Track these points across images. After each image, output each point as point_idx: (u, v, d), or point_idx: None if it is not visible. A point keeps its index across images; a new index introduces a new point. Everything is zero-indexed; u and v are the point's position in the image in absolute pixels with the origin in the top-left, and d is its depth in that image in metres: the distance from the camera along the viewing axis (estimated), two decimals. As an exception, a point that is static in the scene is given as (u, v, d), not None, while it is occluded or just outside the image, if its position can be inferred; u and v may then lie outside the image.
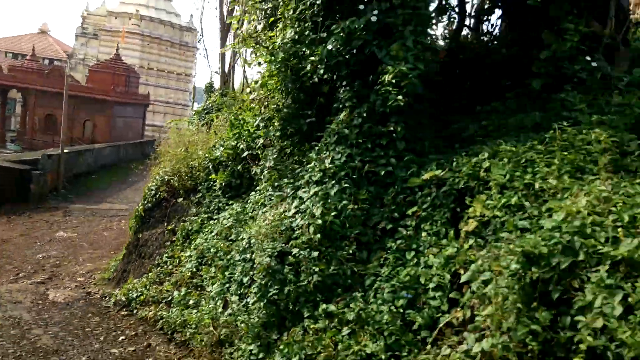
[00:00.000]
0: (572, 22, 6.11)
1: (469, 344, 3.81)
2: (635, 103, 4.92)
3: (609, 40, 6.05)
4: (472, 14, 7.95)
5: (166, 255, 7.63)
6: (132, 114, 36.90)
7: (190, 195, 8.18)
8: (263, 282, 5.09)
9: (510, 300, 3.62)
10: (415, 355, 4.16)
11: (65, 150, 22.54)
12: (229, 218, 6.95)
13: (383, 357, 4.16)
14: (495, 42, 7.34)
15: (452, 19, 8.16)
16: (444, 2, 7.94)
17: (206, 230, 7.29)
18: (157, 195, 8.81)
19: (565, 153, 4.52)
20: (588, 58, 5.76)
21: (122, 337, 6.19)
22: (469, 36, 7.94)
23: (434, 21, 7.24)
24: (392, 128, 5.50)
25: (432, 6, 7.39)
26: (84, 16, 50.18)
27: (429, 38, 6.25)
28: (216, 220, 7.33)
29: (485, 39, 7.64)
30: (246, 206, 6.89)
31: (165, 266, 7.41)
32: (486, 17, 7.87)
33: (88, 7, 51.28)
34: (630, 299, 3.09)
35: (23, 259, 13.26)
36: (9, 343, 5.95)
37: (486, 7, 7.73)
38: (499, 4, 7.56)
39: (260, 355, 4.82)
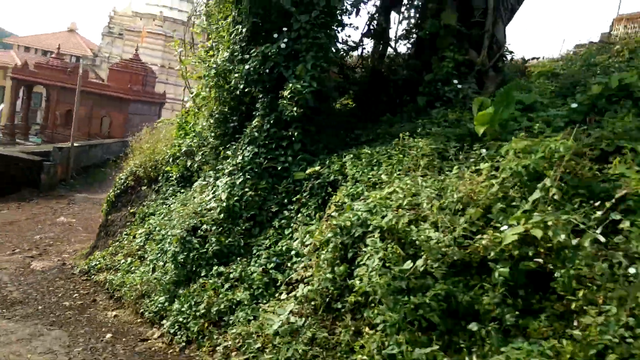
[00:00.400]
0: (452, 51, 7.45)
1: (298, 291, 5.18)
2: (467, 119, 6.23)
3: (480, 67, 7.36)
4: (395, 38, 9.30)
5: (125, 233, 9.11)
6: (147, 111, 38.85)
7: (152, 184, 9.64)
8: (176, 249, 6.52)
9: (323, 259, 4.99)
10: (270, 301, 5.54)
11: (75, 144, 24.40)
12: (175, 203, 8.41)
13: (246, 302, 5.56)
14: (406, 64, 8.67)
15: (380, 42, 9.55)
16: (372, 28, 9.38)
17: (158, 213, 8.74)
18: (125, 184, 10.33)
19: (401, 156, 5.86)
20: (456, 81, 7.08)
21: (76, 295, 7.64)
22: (391, 58, 9.30)
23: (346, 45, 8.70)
24: (291, 133, 6.91)
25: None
26: (111, 16, 52.79)
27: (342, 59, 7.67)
28: (168, 205, 8.80)
29: (399, 61, 9.00)
30: (189, 193, 8.35)
31: (122, 242, 8.87)
32: (405, 42, 9.23)
33: (115, 7, 53.91)
34: (381, 254, 4.43)
35: (23, 238, 14.86)
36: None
37: (404, 33, 9.08)
38: (413, 31, 8.91)
39: (166, 304, 6.24)
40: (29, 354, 5.16)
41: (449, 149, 5.81)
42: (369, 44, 9.44)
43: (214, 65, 7.57)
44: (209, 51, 8.43)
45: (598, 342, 3.49)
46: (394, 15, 9.25)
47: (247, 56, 7.29)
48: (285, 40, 7.02)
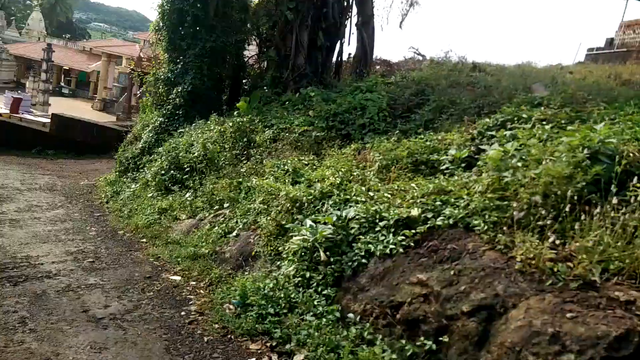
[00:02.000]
0: (274, 71, 13.31)
1: (148, 177, 11.66)
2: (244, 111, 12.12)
3: (284, 80, 13.13)
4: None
5: (121, 165, 16.22)
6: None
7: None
8: (117, 165, 13.32)
9: (152, 165, 11.42)
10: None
11: (151, 120, 32.68)
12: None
13: (131, 186, 12.15)
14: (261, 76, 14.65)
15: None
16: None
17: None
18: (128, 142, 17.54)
19: (209, 124, 11.96)
20: (265, 88, 12.96)
21: (85, 190, 14.71)
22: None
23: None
24: (179, 111, 13.31)
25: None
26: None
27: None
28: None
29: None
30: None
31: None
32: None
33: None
34: (161, 161, 10.74)
35: (94, 176, 22.86)
36: (43, 187, 14.80)
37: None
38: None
39: (107, 189, 13.02)
40: (43, 200, 12.21)
41: (228, 122, 11.85)
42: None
43: (154, 77, 14.26)
44: (154, 67, 15.19)
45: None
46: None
47: (166, 71, 13.82)
48: (182, 64, 13.44)
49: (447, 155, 6.85)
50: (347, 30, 15.94)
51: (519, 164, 4.82)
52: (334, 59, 16.23)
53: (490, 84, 10.14)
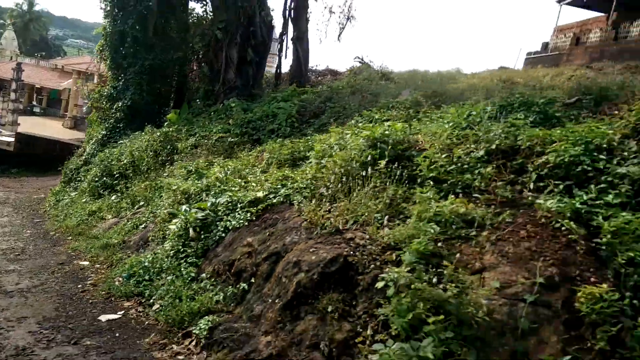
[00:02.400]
0: (206, 84, 14.73)
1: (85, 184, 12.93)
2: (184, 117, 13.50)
3: (216, 92, 14.55)
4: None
5: (72, 178, 17.47)
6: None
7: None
8: (64, 176, 14.58)
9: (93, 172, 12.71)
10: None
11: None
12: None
13: (71, 192, 13.43)
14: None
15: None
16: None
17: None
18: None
19: (148, 139, 13.30)
20: (198, 100, 14.35)
21: (35, 202, 15.92)
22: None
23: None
24: (120, 125, 14.64)
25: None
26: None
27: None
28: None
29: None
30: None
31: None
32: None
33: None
34: (101, 168, 12.07)
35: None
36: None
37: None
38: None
39: (51, 199, 14.27)
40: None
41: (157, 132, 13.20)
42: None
43: (99, 93, 15.60)
44: (99, 84, 16.57)
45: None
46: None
47: (109, 88, 15.17)
48: (123, 81, 14.81)
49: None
50: (284, 44, 17.56)
51: (333, 153, 6.24)
52: (275, 71, 17.80)
53: (380, 91, 11.62)
